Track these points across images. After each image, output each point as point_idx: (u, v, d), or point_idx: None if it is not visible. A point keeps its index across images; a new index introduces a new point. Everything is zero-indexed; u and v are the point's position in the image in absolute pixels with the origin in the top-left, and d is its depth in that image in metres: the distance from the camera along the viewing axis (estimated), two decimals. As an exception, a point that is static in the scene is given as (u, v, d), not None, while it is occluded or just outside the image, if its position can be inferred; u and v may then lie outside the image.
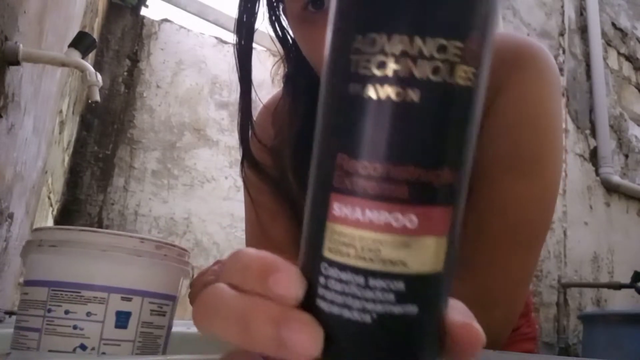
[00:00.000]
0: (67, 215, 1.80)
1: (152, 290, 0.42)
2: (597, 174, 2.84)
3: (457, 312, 0.19)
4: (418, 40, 0.16)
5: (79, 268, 0.40)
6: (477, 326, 0.19)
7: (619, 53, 3.19)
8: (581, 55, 2.96)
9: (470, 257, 0.51)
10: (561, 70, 2.77)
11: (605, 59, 3.02)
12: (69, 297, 0.39)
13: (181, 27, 2.15)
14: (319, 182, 0.18)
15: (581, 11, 3.02)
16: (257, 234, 0.65)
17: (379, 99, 0.16)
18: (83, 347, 0.39)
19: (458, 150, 0.17)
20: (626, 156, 3.06)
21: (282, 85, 0.65)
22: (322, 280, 0.18)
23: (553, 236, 2.55)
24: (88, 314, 0.39)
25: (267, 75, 0.68)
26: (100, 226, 1.84)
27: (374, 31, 0.16)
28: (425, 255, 0.17)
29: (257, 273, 0.18)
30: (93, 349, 0.39)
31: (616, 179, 2.86)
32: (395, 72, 0.16)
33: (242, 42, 0.57)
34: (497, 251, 0.51)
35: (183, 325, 0.56)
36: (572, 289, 2.58)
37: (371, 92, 0.16)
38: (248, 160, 0.62)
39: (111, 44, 2.00)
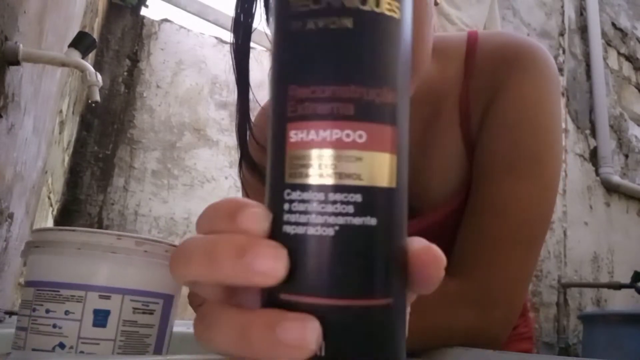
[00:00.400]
0: (67, 215, 1.80)
1: (133, 288, 0.41)
2: (597, 174, 2.84)
3: (417, 241, 0.20)
4: None
5: (58, 267, 0.40)
6: (436, 249, 0.20)
7: (619, 53, 3.19)
8: (581, 55, 2.96)
9: (470, 257, 0.51)
10: (561, 70, 2.77)
11: (605, 59, 3.02)
12: (50, 296, 0.39)
13: (181, 27, 2.15)
14: (276, 117, 0.20)
15: (581, 11, 3.02)
16: None
17: (318, 29, 0.19)
18: (62, 345, 0.39)
19: (393, 71, 0.19)
20: (626, 156, 3.06)
21: None
22: (286, 206, 0.19)
23: (553, 236, 2.54)
24: (66, 312, 0.39)
25: (266, 76, 0.68)
26: (100, 226, 1.84)
27: None
28: (377, 169, 0.19)
29: (225, 213, 0.19)
30: (72, 347, 0.39)
31: (616, 179, 2.86)
32: (328, 3, 0.19)
33: (239, 42, 0.57)
34: (497, 251, 0.51)
35: (183, 325, 0.56)
36: (572, 289, 2.58)
37: (310, 24, 0.19)
38: (246, 161, 0.62)
39: (111, 44, 2.00)
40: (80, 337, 0.39)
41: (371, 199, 0.18)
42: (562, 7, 2.88)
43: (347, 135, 0.18)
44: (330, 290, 0.18)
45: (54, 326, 0.39)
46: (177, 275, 0.20)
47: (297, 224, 0.18)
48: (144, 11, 2.08)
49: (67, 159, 1.72)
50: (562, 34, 2.83)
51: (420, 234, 0.20)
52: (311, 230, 0.18)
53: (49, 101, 1.13)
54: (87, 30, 1.46)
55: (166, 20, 2.12)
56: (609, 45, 3.13)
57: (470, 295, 0.50)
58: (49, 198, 1.45)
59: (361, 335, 0.18)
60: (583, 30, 2.99)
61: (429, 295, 0.21)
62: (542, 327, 2.41)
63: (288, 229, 0.19)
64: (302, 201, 0.18)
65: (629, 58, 3.25)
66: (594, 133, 2.88)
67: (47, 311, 0.39)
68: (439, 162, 0.59)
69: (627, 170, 3.03)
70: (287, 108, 0.19)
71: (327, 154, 0.18)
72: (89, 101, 0.87)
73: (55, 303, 0.39)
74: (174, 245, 0.44)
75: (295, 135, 0.19)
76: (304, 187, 0.18)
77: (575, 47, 2.94)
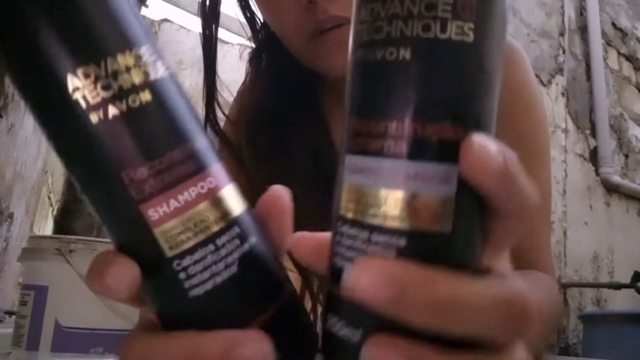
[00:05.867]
0: (67, 215, 1.80)
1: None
2: (597, 174, 2.84)
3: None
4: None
5: None
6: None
7: (619, 53, 3.19)
8: (581, 55, 2.96)
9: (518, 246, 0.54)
10: (561, 70, 2.77)
11: (605, 59, 3.02)
12: None
13: (181, 27, 2.15)
14: (120, 207, 0.20)
15: (581, 11, 3.01)
16: None
17: (109, 117, 0.18)
18: None
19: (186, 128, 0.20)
20: (626, 156, 3.06)
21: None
22: (182, 275, 0.19)
23: (553, 236, 2.54)
24: None
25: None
26: (100, 226, 1.83)
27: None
28: (234, 200, 0.20)
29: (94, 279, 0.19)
30: None
31: (616, 179, 2.86)
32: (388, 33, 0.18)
33: (207, 25, 0.59)
34: (539, 236, 0.55)
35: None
36: (572, 289, 2.58)
37: (100, 115, 0.19)
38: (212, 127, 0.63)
39: (111, 44, 1.99)
40: None
41: (245, 223, 0.20)
42: (562, 7, 2.88)
43: (202, 188, 0.20)
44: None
45: None
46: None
47: (202, 282, 0.19)
48: (144, 11, 2.08)
49: (67, 159, 1.72)
50: (562, 34, 2.83)
51: None
52: (218, 279, 0.19)
53: (49, 101, 1.13)
54: (87, 30, 1.46)
55: (166, 20, 2.12)
56: (609, 45, 3.13)
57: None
58: (49, 198, 1.45)
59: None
60: (583, 30, 2.98)
61: None
62: (542, 327, 2.41)
63: (196, 291, 0.19)
64: (196, 261, 0.19)
65: (629, 58, 3.25)
66: (594, 133, 2.88)
67: None
68: None
69: (627, 170, 3.03)
70: (130, 193, 0.19)
71: (190, 214, 0.19)
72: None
73: None
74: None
75: (155, 212, 0.19)
76: (191, 250, 0.19)
77: (575, 47, 2.94)
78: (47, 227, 1.49)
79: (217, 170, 0.20)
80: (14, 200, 0.89)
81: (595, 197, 2.81)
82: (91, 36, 0.18)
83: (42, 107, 0.19)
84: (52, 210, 1.57)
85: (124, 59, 0.18)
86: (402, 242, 0.17)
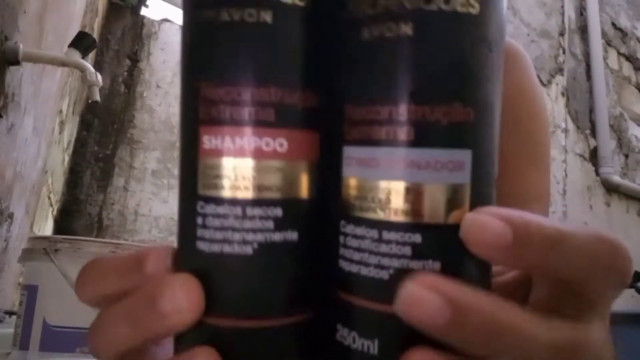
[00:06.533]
0: (67, 215, 1.80)
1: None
2: (597, 174, 2.84)
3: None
4: None
5: None
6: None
7: (619, 53, 3.19)
8: (581, 55, 2.96)
9: None
10: (561, 70, 2.77)
11: (605, 59, 3.02)
12: None
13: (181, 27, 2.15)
14: (187, 117, 0.17)
15: (581, 11, 3.01)
16: None
17: (232, 22, 0.16)
18: None
19: (314, 72, 0.17)
20: (626, 156, 3.06)
21: None
22: (199, 220, 0.17)
23: (553, 236, 2.54)
24: None
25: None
26: (101, 226, 1.84)
27: None
28: (298, 180, 0.17)
29: (128, 267, 0.18)
30: None
31: (616, 179, 2.86)
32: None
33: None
34: None
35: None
36: (572, 289, 2.57)
37: (225, 16, 0.16)
38: None
39: (111, 44, 1.99)
40: None
41: (292, 212, 0.17)
42: (562, 7, 2.88)
43: (267, 144, 0.16)
44: (253, 310, 0.17)
45: None
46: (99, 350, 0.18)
47: (212, 240, 0.17)
48: (144, 11, 2.08)
49: (67, 159, 1.72)
50: (562, 34, 2.83)
51: None
52: (227, 249, 0.16)
53: (49, 101, 1.13)
54: (87, 30, 1.46)
55: (166, 20, 2.12)
56: (609, 45, 3.13)
57: None
58: (49, 198, 1.45)
59: (288, 352, 0.17)
60: (583, 30, 2.99)
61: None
62: (542, 327, 2.41)
63: (202, 245, 0.17)
64: (218, 216, 0.16)
65: (629, 58, 3.25)
66: (594, 133, 2.88)
67: None
68: None
69: (627, 170, 3.03)
70: (199, 109, 0.17)
71: (245, 164, 0.16)
72: (89, 101, 0.87)
73: None
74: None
75: (208, 141, 0.16)
76: (219, 201, 0.16)
77: (575, 47, 2.94)
78: (47, 227, 1.49)
79: (302, 137, 0.17)
80: (14, 200, 0.89)
81: (595, 197, 2.81)
82: None
83: None
84: (52, 210, 1.57)
85: None
86: (418, 238, 0.15)
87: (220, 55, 0.16)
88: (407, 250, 0.15)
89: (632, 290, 2.26)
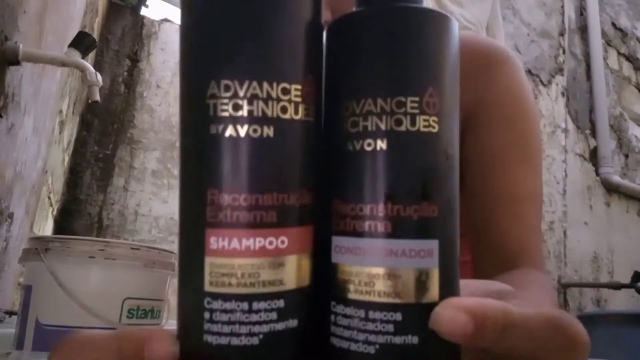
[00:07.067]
0: (67, 215, 1.80)
1: None
2: (597, 174, 2.84)
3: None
4: (266, 85, 0.19)
5: None
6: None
7: (619, 53, 3.19)
8: (581, 55, 2.96)
9: (524, 246, 0.54)
10: (561, 70, 2.77)
11: (605, 59, 3.02)
12: None
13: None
14: (192, 220, 0.19)
15: (581, 11, 3.01)
16: None
17: (238, 137, 0.18)
18: None
19: (309, 174, 0.20)
20: (626, 156, 3.06)
21: None
22: (207, 315, 0.18)
23: (553, 236, 2.54)
24: None
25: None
26: (101, 226, 1.83)
27: (227, 78, 0.19)
28: (298, 271, 0.19)
29: (134, 348, 0.18)
30: None
31: (616, 179, 2.86)
32: (249, 112, 0.18)
33: None
34: (537, 235, 0.56)
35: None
36: (572, 289, 2.58)
37: (231, 131, 0.18)
38: None
39: (111, 44, 2.00)
40: None
41: (293, 302, 0.19)
42: (562, 7, 2.88)
43: (270, 243, 0.18)
44: None
45: None
46: None
47: (219, 334, 0.18)
48: (144, 11, 2.08)
49: (67, 159, 1.72)
50: (562, 34, 2.83)
51: None
52: (235, 342, 0.18)
53: (49, 101, 1.13)
54: (87, 30, 1.46)
55: (166, 20, 2.12)
56: (609, 45, 3.13)
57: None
58: (49, 198, 1.45)
59: None
60: (583, 30, 2.99)
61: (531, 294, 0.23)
62: (542, 327, 2.41)
63: (210, 338, 0.18)
64: (225, 311, 0.18)
65: (629, 58, 3.25)
66: (594, 133, 2.88)
67: None
68: None
69: (627, 170, 3.03)
70: (205, 212, 0.19)
71: (251, 263, 0.18)
72: (89, 101, 0.87)
73: None
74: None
75: (215, 242, 0.18)
76: (227, 297, 0.18)
77: (575, 47, 2.94)
78: (47, 227, 1.49)
79: (300, 233, 0.19)
80: (14, 200, 0.89)
81: (595, 197, 2.81)
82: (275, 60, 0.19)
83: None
84: (52, 210, 1.57)
85: (272, 89, 0.19)
86: (399, 316, 0.18)
87: (227, 165, 0.18)
88: (390, 327, 0.18)
89: (632, 290, 2.26)
